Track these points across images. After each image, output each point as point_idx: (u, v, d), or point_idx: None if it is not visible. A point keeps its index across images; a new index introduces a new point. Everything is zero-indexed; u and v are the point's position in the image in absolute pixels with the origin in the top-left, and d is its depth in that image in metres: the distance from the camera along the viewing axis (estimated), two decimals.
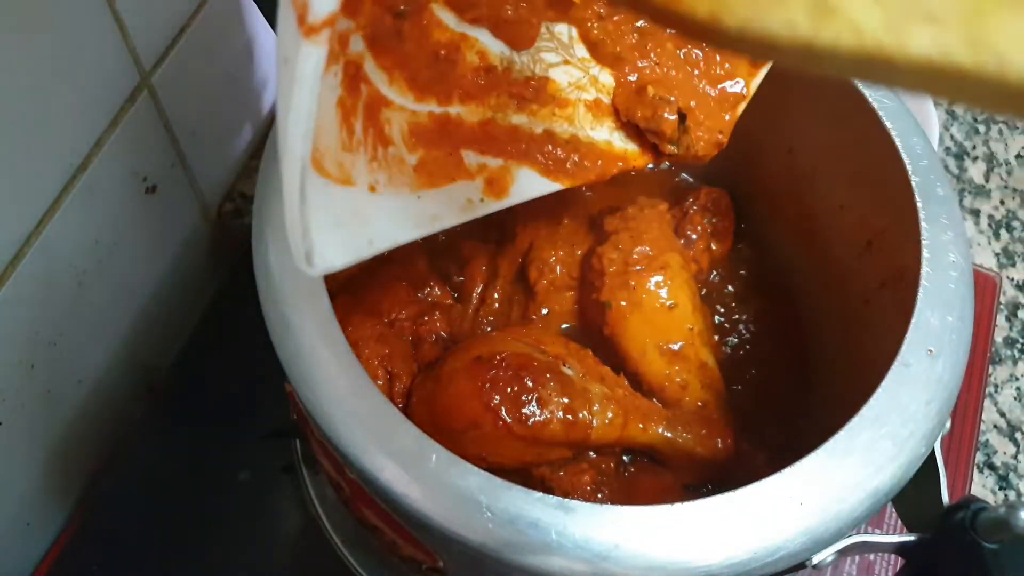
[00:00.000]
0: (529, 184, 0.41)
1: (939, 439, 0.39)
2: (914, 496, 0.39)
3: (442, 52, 0.38)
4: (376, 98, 0.35)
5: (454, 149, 0.38)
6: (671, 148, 0.44)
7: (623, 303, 0.50)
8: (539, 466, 0.46)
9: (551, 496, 0.34)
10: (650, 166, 0.46)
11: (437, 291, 0.53)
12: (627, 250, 0.51)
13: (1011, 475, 0.67)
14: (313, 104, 0.26)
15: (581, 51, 0.44)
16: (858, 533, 0.37)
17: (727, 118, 0.46)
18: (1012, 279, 0.77)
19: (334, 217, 0.32)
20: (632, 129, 0.45)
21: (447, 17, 0.38)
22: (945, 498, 0.40)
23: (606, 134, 0.44)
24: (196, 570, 0.57)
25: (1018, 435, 0.69)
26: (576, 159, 0.42)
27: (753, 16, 0.18)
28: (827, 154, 0.52)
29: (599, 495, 0.47)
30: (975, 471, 0.66)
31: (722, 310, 0.57)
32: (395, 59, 0.35)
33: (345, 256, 0.33)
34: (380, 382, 0.46)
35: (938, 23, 0.17)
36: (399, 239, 0.36)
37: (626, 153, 0.45)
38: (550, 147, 0.42)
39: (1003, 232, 0.79)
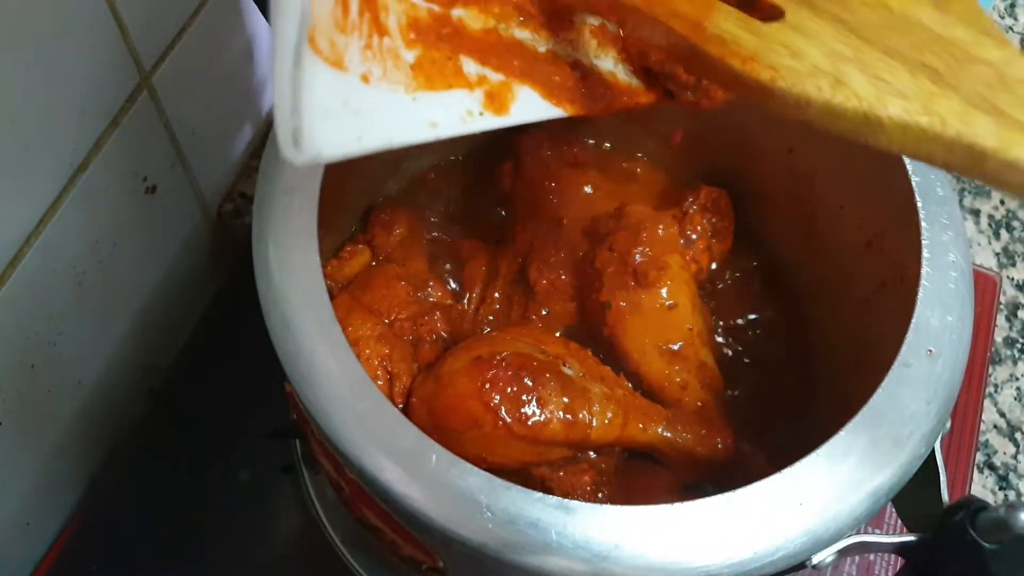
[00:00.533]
0: (531, 105, 0.39)
1: (939, 439, 0.39)
2: (914, 496, 0.39)
3: None
4: None
5: (453, 54, 0.36)
6: (688, 96, 0.42)
7: (623, 303, 0.50)
8: (539, 466, 0.46)
9: (551, 496, 0.34)
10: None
11: (437, 291, 0.53)
12: (626, 250, 0.51)
13: (1011, 475, 0.67)
14: None
15: None
16: (858, 533, 0.37)
17: None
18: (1012, 279, 0.77)
19: (323, 103, 0.30)
20: (638, 66, 0.42)
21: None
22: (945, 498, 0.40)
23: (610, 64, 0.42)
24: (196, 570, 0.57)
25: (1018, 435, 0.69)
26: (582, 88, 0.40)
27: (796, 82, 0.29)
28: (827, 154, 0.52)
29: (599, 495, 0.47)
30: (975, 471, 0.66)
31: (722, 310, 0.57)
32: None
33: (334, 148, 0.31)
34: (380, 382, 0.46)
35: (906, 98, 0.28)
36: (393, 140, 0.34)
37: (631, 87, 0.42)
38: (554, 69, 0.40)
39: (1003, 232, 0.79)
